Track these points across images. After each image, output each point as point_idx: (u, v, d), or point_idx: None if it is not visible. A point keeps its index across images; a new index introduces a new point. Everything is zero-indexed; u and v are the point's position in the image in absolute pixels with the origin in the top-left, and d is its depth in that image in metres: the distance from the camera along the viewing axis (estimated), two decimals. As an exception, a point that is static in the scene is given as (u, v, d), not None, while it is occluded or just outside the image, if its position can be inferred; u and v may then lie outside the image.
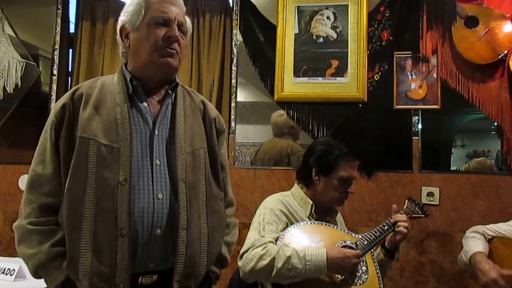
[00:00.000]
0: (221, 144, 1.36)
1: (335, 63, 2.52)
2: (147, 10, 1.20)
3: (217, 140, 1.32)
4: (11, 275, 1.76)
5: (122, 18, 1.25)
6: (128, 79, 1.20)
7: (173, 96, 1.24)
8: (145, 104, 1.19)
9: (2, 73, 2.84)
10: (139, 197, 1.11)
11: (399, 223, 1.65)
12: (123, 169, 1.09)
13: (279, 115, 2.59)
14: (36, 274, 1.13)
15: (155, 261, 1.12)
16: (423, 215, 1.82)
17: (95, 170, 1.09)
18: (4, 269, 1.78)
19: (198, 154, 1.22)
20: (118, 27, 1.26)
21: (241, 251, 1.54)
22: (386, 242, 1.70)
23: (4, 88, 2.85)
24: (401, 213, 1.72)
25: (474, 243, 1.75)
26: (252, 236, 1.57)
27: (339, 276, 1.52)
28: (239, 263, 1.53)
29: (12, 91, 2.84)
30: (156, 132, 1.18)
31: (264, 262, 1.47)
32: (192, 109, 1.28)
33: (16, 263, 1.79)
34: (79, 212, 1.08)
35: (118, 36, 1.26)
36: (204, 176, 1.22)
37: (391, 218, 1.70)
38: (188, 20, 1.29)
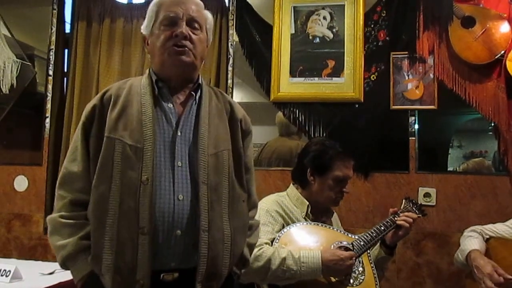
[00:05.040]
0: (246, 146, 1.36)
1: (331, 63, 2.52)
2: (157, 13, 1.24)
3: (242, 142, 1.33)
4: (6, 276, 1.75)
5: (142, 26, 1.30)
6: (154, 80, 1.23)
7: (198, 97, 1.26)
8: (170, 105, 1.22)
9: (-3, 74, 2.85)
10: (160, 197, 1.14)
11: (402, 218, 1.67)
12: (145, 169, 1.13)
13: None
14: (64, 265, 1.17)
15: (176, 260, 1.15)
16: (420, 215, 1.81)
17: (120, 169, 1.13)
18: (0, 270, 1.78)
19: (221, 155, 1.23)
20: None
21: None
22: (386, 240, 1.71)
23: (0, 88, 2.84)
24: (398, 213, 1.73)
25: (470, 241, 1.76)
26: (247, 237, 1.58)
27: (334, 277, 1.53)
28: None
29: (7, 92, 2.85)
30: (179, 133, 1.20)
31: (259, 263, 1.49)
32: (218, 110, 1.29)
33: (12, 264, 1.79)
34: (104, 209, 1.12)
35: (144, 44, 1.33)
36: (228, 178, 1.23)
37: (389, 219, 1.70)
38: (206, 15, 1.30)
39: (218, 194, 1.20)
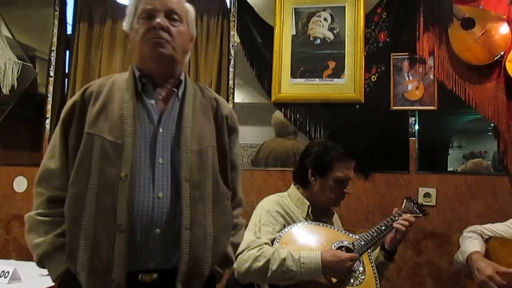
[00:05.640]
0: (233, 143, 1.33)
1: (332, 64, 2.53)
2: (136, 8, 1.22)
3: (229, 138, 1.30)
4: (5, 277, 1.74)
5: (124, 22, 1.28)
6: (137, 76, 1.21)
7: (181, 93, 1.24)
8: (152, 101, 1.20)
9: (-2, 75, 2.85)
10: (139, 195, 1.11)
11: (399, 222, 1.66)
12: (125, 165, 1.10)
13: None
14: (40, 263, 1.15)
15: (154, 260, 1.12)
16: (421, 215, 1.81)
17: (98, 166, 1.11)
18: None
19: (205, 152, 1.20)
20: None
21: (236, 252, 1.53)
22: (386, 244, 1.71)
23: (0, 89, 2.84)
24: (400, 213, 1.73)
25: (470, 243, 1.76)
26: (248, 237, 1.57)
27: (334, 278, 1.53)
28: (234, 264, 1.52)
29: (8, 93, 2.85)
30: (161, 130, 1.17)
31: (259, 263, 1.48)
32: (203, 106, 1.27)
33: (11, 266, 1.78)
34: (81, 206, 1.10)
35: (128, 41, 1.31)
36: (212, 174, 1.21)
37: (390, 219, 1.70)
38: (188, 8, 1.28)
39: (202, 192, 1.17)
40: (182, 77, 1.26)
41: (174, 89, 1.23)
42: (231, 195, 1.30)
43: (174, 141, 1.18)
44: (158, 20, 1.17)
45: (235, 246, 1.32)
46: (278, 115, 2.60)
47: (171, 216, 1.12)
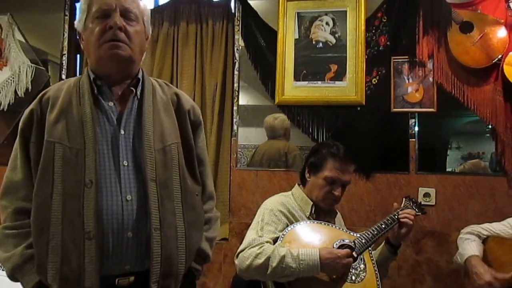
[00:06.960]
0: (198, 137, 1.31)
1: (334, 67, 2.55)
2: (90, 6, 1.18)
3: (193, 133, 1.28)
4: (7, 270, 1.80)
5: (75, 22, 1.24)
6: (92, 79, 1.17)
7: (139, 92, 1.20)
8: (110, 103, 1.17)
9: (13, 78, 2.91)
10: (107, 200, 1.09)
11: (404, 215, 1.70)
12: (88, 171, 1.08)
13: (275, 118, 2.63)
14: (12, 277, 1.13)
15: (130, 263, 1.11)
16: (420, 213, 1.85)
17: (61, 174, 1.09)
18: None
19: (170, 150, 1.18)
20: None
21: (238, 250, 1.59)
22: (391, 238, 1.74)
23: (16, 92, 2.90)
24: (399, 212, 1.76)
25: (469, 245, 1.78)
26: (250, 235, 1.62)
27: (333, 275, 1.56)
28: (236, 261, 1.58)
29: (23, 95, 2.89)
30: (122, 132, 1.15)
31: (260, 261, 1.52)
32: (163, 102, 1.24)
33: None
34: (47, 216, 1.08)
35: (79, 40, 1.25)
36: (178, 172, 1.19)
37: (389, 217, 1.73)
38: (144, 7, 1.24)
39: (169, 190, 1.15)
40: (140, 76, 1.23)
41: (132, 88, 1.20)
42: (200, 190, 1.29)
43: (137, 142, 1.15)
44: (115, 19, 1.13)
45: (211, 241, 1.30)
46: (268, 119, 2.63)
47: (141, 218, 1.11)
